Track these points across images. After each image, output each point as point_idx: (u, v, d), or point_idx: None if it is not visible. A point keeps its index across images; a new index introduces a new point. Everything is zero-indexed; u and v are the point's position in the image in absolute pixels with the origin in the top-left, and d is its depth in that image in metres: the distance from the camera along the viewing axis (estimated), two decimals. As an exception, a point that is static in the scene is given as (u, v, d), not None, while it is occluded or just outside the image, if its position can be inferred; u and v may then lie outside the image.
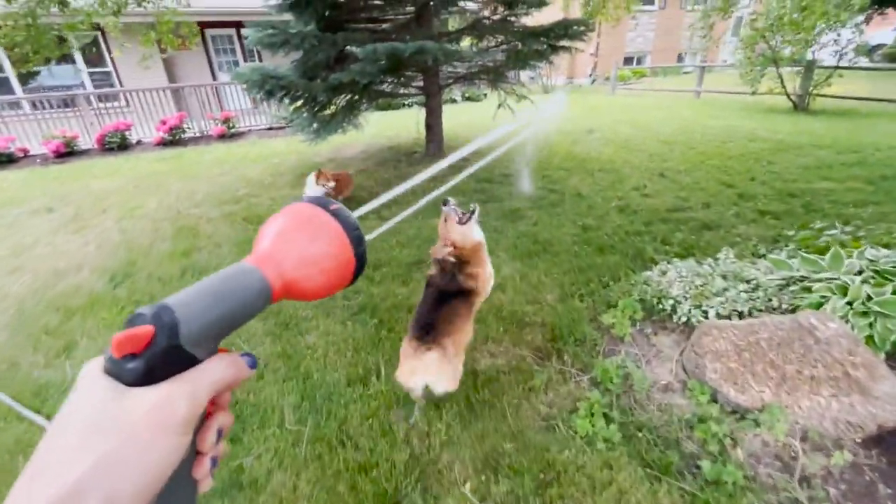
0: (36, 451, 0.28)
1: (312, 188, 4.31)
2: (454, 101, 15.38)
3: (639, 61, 20.83)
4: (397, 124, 9.94)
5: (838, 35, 10.49)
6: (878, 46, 21.20)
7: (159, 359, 0.31)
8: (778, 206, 4.50)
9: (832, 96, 10.77)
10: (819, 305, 2.38)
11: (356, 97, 5.95)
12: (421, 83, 6.88)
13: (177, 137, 9.45)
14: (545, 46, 6.33)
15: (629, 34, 19.90)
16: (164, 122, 9.33)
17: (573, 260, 3.57)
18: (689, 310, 2.57)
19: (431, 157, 7.02)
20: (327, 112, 5.97)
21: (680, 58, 21.98)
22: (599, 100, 14.08)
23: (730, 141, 7.44)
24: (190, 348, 0.33)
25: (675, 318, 2.61)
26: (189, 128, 9.89)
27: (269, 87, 4.93)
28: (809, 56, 11.10)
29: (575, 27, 5.92)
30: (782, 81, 10.94)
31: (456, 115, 11.10)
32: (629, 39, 20.11)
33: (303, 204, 0.46)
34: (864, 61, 10.41)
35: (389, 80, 6.42)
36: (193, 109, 10.14)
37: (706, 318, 2.51)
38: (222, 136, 9.72)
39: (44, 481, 0.26)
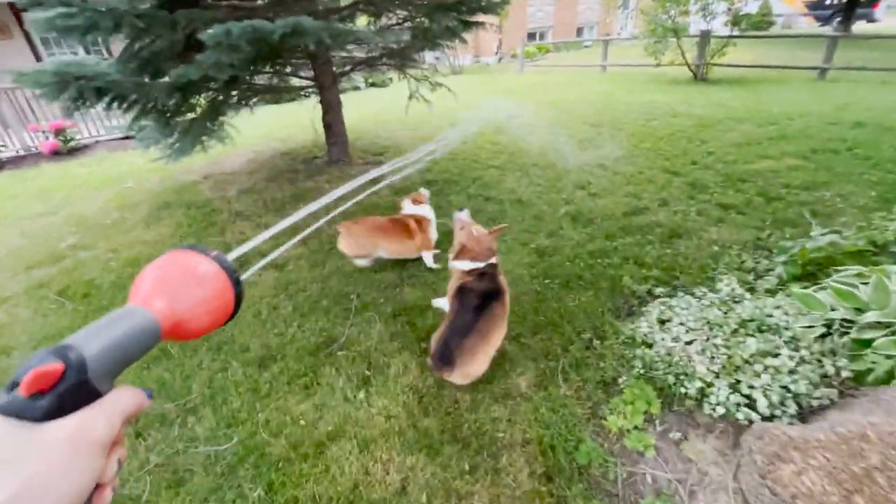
0: None
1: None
2: (357, 87, 13.88)
3: (541, 37, 20.69)
4: (293, 121, 8.39)
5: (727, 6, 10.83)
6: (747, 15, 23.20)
7: (68, 395, 0.33)
8: (735, 196, 4.02)
9: (725, 65, 11.13)
10: (891, 377, 1.73)
11: (220, 97, 4.52)
12: (311, 73, 5.56)
13: (-14, 160, 7.08)
14: (456, 22, 5.33)
15: (529, 9, 19.57)
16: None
17: (539, 307, 2.70)
18: (727, 396, 1.80)
19: (336, 163, 5.78)
20: (183, 119, 4.47)
21: (579, 31, 22.26)
22: (511, 79, 13.48)
23: (653, 119, 7.11)
24: (95, 384, 0.35)
25: (706, 408, 1.84)
26: (4, 146, 7.49)
27: (75, 91, 3.38)
28: (704, 26, 11.39)
29: (490, -2, 4.98)
30: (683, 53, 11.09)
31: (360, 106, 9.77)
32: (530, 15, 19.80)
33: (185, 251, 0.50)
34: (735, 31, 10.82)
35: (266, 71, 5.04)
36: (10, 119, 7.68)
37: (753, 408, 1.76)
38: (56, 153, 7.49)
39: None
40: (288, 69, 5.83)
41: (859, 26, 12.40)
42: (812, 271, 2.70)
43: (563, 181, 4.71)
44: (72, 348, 0.34)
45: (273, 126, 8.36)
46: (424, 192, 3.27)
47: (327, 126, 5.75)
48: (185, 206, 4.71)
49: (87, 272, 3.46)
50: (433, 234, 3.18)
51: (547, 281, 2.96)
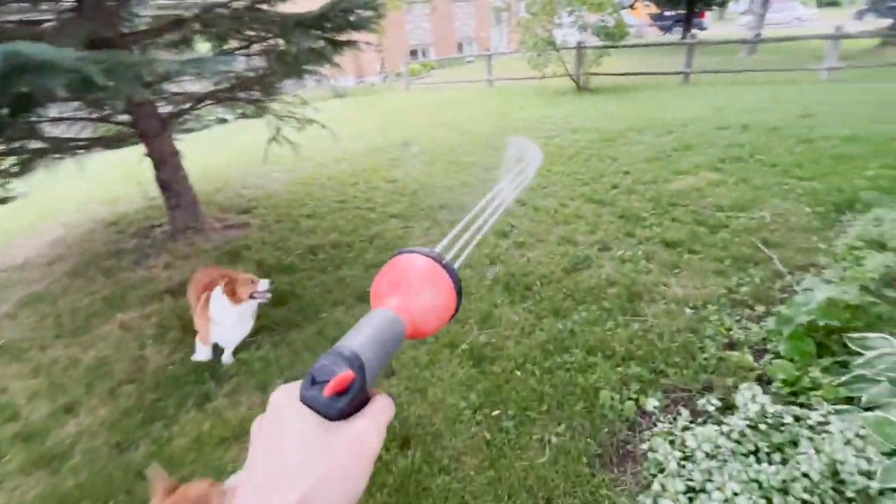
0: (251, 466, 0.32)
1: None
2: (224, 121, 11.98)
3: (423, 54, 20.35)
4: (126, 173, 6.51)
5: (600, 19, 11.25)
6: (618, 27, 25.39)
7: (355, 398, 0.35)
8: (676, 229, 3.48)
9: (602, 74, 11.49)
10: None
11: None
12: (129, 118, 4.08)
13: None
14: (323, 43, 4.26)
15: (407, 26, 19.11)
16: None
17: (494, 478, 1.72)
18: None
19: (182, 232, 4.29)
20: None
21: (460, 47, 22.40)
22: (398, 99, 12.67)
23: (555, 136, 6.68)
24: (368, 389, 0.38)
25: None
26: None
27: None
28: (573, 39, 11.70)
29: (360, 11, 3.99)
30: (564, 64, 11.22)
31: (223, 145, 8.12)
32: (408, 32, 19.34)
33: (423, 259, 0.51)
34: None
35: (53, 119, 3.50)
36: None
37: None
38: None
39: (277, 496, 0.30)
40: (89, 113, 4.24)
41: (696, 33, 13.86)
42: (822, 341, 2.10)
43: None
44: (356, 356, 0.36)
45: (99, 182, 6.43)
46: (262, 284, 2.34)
47: (164, 185, 4.26)
48: None
49: None
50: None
51: (495, 414, 1.99)
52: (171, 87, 4.52)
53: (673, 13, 24.68)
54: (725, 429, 1.69)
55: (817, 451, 1.47)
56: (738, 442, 1.63)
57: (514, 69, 13.91)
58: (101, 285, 3.49)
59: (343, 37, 4.31)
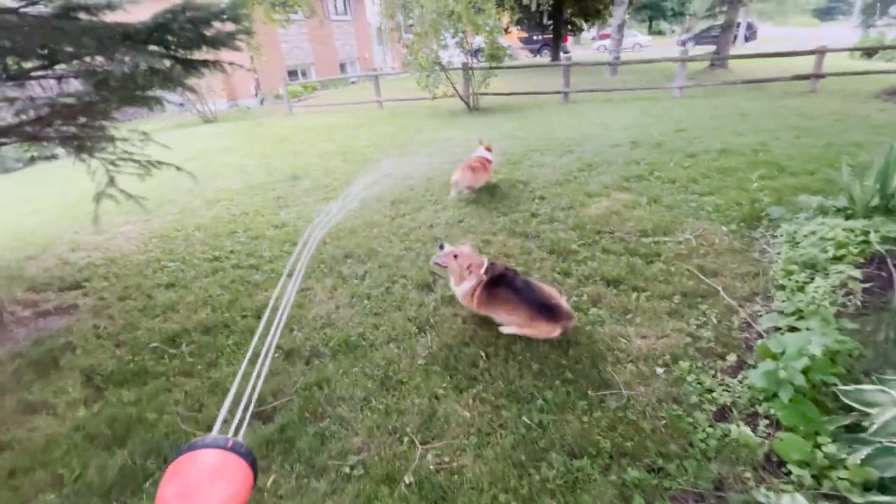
0: None
1: None
2: (52, 157, 9.70)
3: (304, 74, 19.15)
4: None
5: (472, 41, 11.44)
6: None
7: None
8: (610, 262, 3.21)
9: (490, 94, 11.69)
10: None
11: None
12: None
13: None
14: (169, 62, 3.29)
15: (284, 45, 17.81)
16: None
17: None
18: None
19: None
20: None
21: (343, 68, 21.58)
22: (281, 124, 11.47)
23: (459, 161, 6.32)
24: None
25: None
26: None
27: None
28: (455, 60, 11.77)
29: (218, 25, 3.13)
30: (453, 84, 11.16)
31: (38, 195, 6.29)
32: (286, 51, 18.04)
33: (212, 454, 0.57)
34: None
35: None
36: None
37: None
38: None
39: None
40: None
41: (570, 56, 15.06)
42: (814, 397, 1.84)
43: (399, 281, 3.21)
44: None
45: None
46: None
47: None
48: None
49: None
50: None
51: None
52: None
53: (541, 37, 26.86)
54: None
55: None
56: None
57: (402, 90, 13.57)
58: None
59: (198, 55, 3.40)
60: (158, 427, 2.06)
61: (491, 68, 11.19)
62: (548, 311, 2.27)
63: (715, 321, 2.47)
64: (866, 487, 1.51)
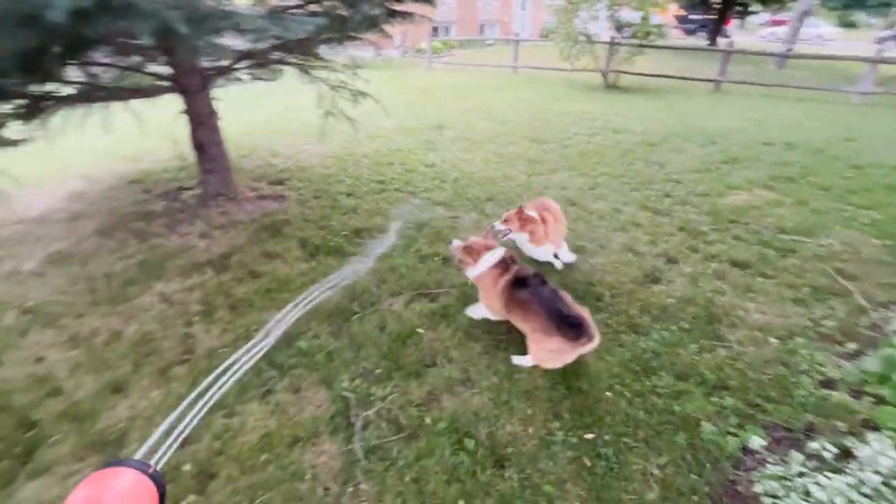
0: None
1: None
2: (237, 79, 11.49)
3: (446, 31, 19.76)
4: (152, 126, 6.17)
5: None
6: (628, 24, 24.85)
7: None
8: (741, 248, 3.35)
9: (632, 73, 11.22)
10: None
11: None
12: (170, 71, 3.79)
13: None
14: (379, 11, 3.98)
15: (432, 1, 18.45)
16: None
17: (590, 496, 1.60)
18: None
19: (214, 199, 4.05)
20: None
21: (482, 29, 21.79)
22: (421, 78, 12.26)
23: (595, 134, 6.49)
24: None
25: None
26: None
27: None
28: (612, 33, 11.40)
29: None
30: (596, 59, 10.93)
31: (245, 107, 7.74)
32: (432, 7, 18.68)
33: (128, 471, 0.68)
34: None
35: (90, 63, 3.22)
36: None
37: None
38: None
39: None
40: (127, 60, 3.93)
41: (733, 41, 13.52)
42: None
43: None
44: None
45: (121, 135, 6.07)
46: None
47: (199, 146, 4.01)
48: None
49: None
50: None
51: (589, 437, 1.86)
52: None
53: (699, 17, 24.25)
54: (851, 480, 1.59)
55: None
56: (870, 498, 1.53)
57: (538, 57, 13.53)
58: (134, 249, 3.26)
59: (399, 6, 4.06)
60: (356, 285, 2.82)
61: (640, 46, 10.73)
62: (569, 325, 1.96)
63: (842, 316, 2.60)
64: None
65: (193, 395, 1.35)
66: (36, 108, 3.02)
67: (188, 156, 4.24)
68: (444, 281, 2.92)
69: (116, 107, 4.10)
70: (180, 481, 1.68)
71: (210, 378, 1.41)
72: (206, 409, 1.27)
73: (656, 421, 1.94)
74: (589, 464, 1.76)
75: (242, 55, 4.28)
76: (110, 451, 1.80)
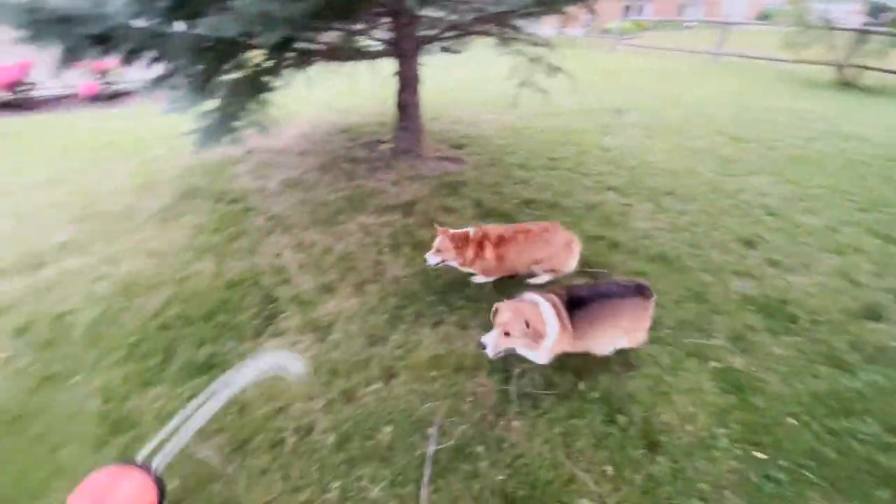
0: None
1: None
2: (447, 49, 12.43)
3: (639, 11, 18.18)
4: (358, 87, 7.17)
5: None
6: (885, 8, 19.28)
7: None
8: None
9: (884, 70, 8.86)
10: None
11: (266, 64, 3.40)
12: (389, 35, 4.34)
13: (21, 98, 6.38)
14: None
15: (630, -23, 17.08)
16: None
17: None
18: None
19: (404, 153, 4.59)
20: (223, 81, 3.39)
21: (681, 9, 19.47)
22: (605, 59, 11.62)
23: (814, 139, 5.42)
24: None
25: None
26: (43, 83, 6.76)
27: (61, 37, 2.36)
28: (864, 18, 9.15)
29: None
30: (833, 49, 8.94)
31: (436, 77, 8.38)
32: (629, -16, 17.31)
33: (111, 471, 0.73)
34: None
35: (333, 28, 3.87)
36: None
37: None
38: (95, 98, 6.70)
39: None
40: (359, 26, 4.60)
41: None
42: None
43: (720, 228, 3.34)
44: None
45: (333, 91, 7.20)
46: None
47: (402, 106, 4.55)
48: (213, 197, 3.72)
49: (60, 299, 2.52)
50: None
51: (761, 457, 1.72)
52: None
53: None
54: None
55: None
56: None
57: (748, 44, 11.61)
58: (343, 185, 3.93)
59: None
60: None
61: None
62: (636, 290, 1.96)
63: None
64: None
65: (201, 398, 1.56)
66: (303, 61, 3.76)
67: (387, 114, 4.85)
68: (605, 265, 2.88)
69: (333, 66, 4.87)
70: (370, 371, 2.07)
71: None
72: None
73: (852, 466, 1.69)
74: (755, 480, 1.64)
75: (451, 25, 4.66)
76: (320, 335, 2.30)
